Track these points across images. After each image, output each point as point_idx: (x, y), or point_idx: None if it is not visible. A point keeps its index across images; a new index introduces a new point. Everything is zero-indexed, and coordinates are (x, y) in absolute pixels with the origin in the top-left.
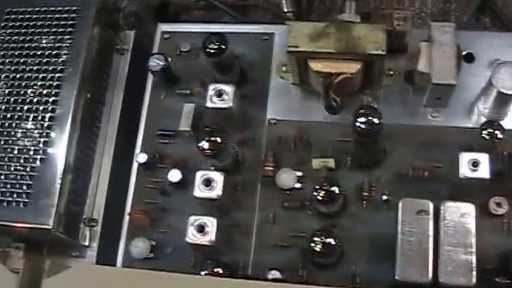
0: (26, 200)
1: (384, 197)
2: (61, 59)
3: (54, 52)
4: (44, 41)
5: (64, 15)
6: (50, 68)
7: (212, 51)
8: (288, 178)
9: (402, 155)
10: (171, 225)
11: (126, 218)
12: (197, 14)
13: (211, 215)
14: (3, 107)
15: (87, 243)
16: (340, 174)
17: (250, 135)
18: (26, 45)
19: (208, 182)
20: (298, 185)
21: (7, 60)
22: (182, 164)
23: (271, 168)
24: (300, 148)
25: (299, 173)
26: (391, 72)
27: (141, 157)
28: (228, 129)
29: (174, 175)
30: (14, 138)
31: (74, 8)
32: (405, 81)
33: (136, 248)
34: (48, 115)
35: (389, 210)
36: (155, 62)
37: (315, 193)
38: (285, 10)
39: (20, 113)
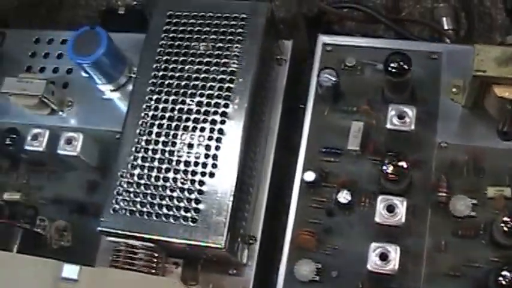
0: (196, 217)
1: None
2: (230, 69)
3: (222, 61)
4: (210, 49)
5: (232, 23)
6: (218, 78)
7: (395, 70)
8: (463, 205)
9: None
10: (336, 247)
11: (288, 237)
12: (349, 25)
13: (381, 240)
14: (167, 115)
15: (245, 261)
16: None
17: (420, 158)
18: (191, 51)
19: (392, 208)
20: (472, 213)
21: (170, 66)
22: (350, 184)
23: (444, 194)
24: (472, 174)
25: (473, 201)
26: None
27: (308, 175)
28: (400, 151)
29: (344, 196)
30: (179, 151)
31: (243, 15)
32: None
33: (304, 271)
34: (217, 127)
35: None
36: (326, 77)
37: (502, 224)
38: (446, 28)
39: (186, 124)
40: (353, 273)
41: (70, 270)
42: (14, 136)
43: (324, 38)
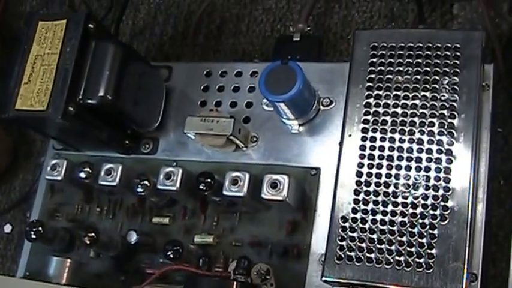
0: (430, 263)
1: None
2: (450, 103)
3: (440, 95)
4: (413, 81)
5: (446, 53)
6: (438, 114)
7: None
8: None
9: None
10: None
11: None
12: None
13: None
14: (385, 155)
15: None
16: None
17: None
18: (402, 85)
19: None
20: None
21: (382, 102)
22: None
23: None
24: None
25: None
26: None
27: None
28: None
29: None
30: (404, 193)
31: (456, 45)
32: None
33: None
34: (443, 167)
35: None
36: None
37: None
38: None
39: (408, 163)
40: None
41: None
42: (210, 181)
43: None
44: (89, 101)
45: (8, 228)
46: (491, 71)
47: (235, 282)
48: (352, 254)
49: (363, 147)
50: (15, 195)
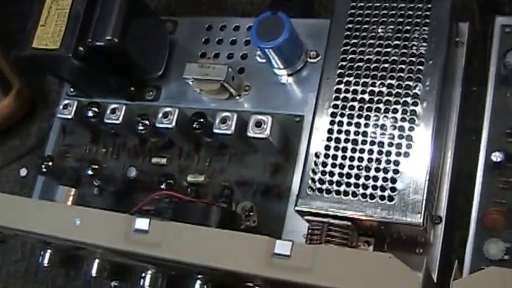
0: (392, 196)
1: None
2: (419, 51)
3: (411, 44)
4: (390, 32)
5: (418, 5)
6: (408, 61)
7: None
8: None
9: None
10: None
11: (474, 216)
12: None
13: None
14: (358, 98)
15: (432, 240)
16: None
17: None
18: (377, 35)
19: None
20: None
21: (358, 50)
22: None
23: None
24: None
25: None
26: None
27: (496, 156)
28: None
29: None
30: (373, 132)
31: None
32: None
33: (493, 250)
34: (409, 109)
35: None
36: None
37: None
38: None
39: (377, 106)
40: None
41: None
42: (202, 120)
43: (501, 19)
44: (97, 43)
45: (23, 171)
46: (467, 29)
47: (217, 208)
48: (323, 186)
49: (338, 90)
50: (31, 142)
